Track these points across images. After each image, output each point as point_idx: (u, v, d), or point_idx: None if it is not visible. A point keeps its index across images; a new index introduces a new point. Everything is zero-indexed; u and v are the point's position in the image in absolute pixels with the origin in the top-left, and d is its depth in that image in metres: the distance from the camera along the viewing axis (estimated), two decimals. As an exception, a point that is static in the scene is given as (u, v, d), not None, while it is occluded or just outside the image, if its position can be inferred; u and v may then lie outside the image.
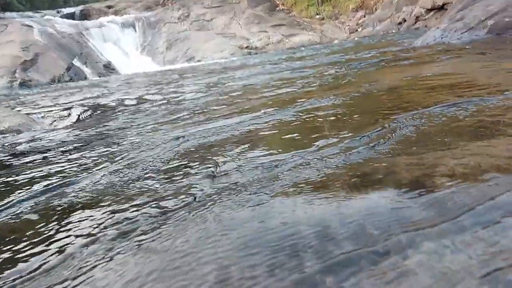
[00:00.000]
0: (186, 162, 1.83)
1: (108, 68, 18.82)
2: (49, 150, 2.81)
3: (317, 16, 19.51)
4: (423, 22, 13.54)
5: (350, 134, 1.84)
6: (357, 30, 17.62)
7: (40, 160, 2.50)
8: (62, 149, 2.77)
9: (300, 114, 2.56)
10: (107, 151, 2.39)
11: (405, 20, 14.72)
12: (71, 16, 21.91)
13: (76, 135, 3.30)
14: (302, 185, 1.31)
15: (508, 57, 3.74)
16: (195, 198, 1.34)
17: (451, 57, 4.41)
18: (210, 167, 1.65)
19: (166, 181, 1.60)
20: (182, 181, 1.54)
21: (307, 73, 5.49)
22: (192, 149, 2.07)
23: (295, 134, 2.07)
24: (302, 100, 3.08)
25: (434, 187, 1.11)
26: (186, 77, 8.93)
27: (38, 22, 19.29)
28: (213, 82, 6.52)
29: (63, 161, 2.34)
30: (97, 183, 1.73)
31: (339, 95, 3.05)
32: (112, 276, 0.94)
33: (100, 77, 17.53)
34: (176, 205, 1.30)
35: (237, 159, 1.73)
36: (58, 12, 22.49)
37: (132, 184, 1.61)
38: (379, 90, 3.02)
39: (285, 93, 3.76)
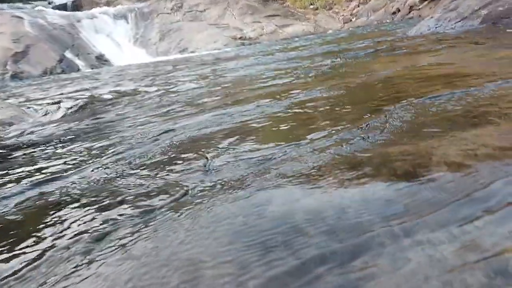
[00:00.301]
0: (177, 156, 1.80)
1: (101, 59, 18.64)
2: (40, 144, 2.77)
3: (311, 6, 19.41)
4: (417, 11, 13.51)
5: (344, 125, 1.81)
6: (351, 20, 17.56)
7: (29, 154, 2.46)
8: (52, 143, 2.73)
9: (294, 105, 2.53)
10: (96, 145, 2.35)
11: (399, 10, 14.68)
12: (62, 7, 21.62)
13: (67, 129, 3.25)
14: (292, 178, 1.28)
15: (501, 47, 3.72)
16: (185, 193, 1.30)
17: (445, 46, 4.39)
18: (200, 162, 1.62)
19: (155, 176, 1.57)
20: (171, 177, 1.51)
21: (301, 63, 5.45)
22: (183, 143, 2.03)
23: (288, 126, 2.04)
24: (296, 91, 3.05)
25: (424, 178, 1.09)
26: (179, 68, 8.86)
27: (28, 13, 19.02)
28: (206, 74, 6.47)
29: (52, 155, 2.30)
30: (85, 179, 1.69)
31: (333, 86, 3.03)
32: (93, 279, 0.91)
33: (92, 69, 17.37)
34: (164, 201, 1.27)
35: (228, 153, 1.69)
36: (49, 3, 22.19)
37: (120, 180, 1.58)
38: (373, 81, 2.99)
39: (279, 84, 3.73)
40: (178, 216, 1.15)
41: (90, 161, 1.97)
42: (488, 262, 0.73)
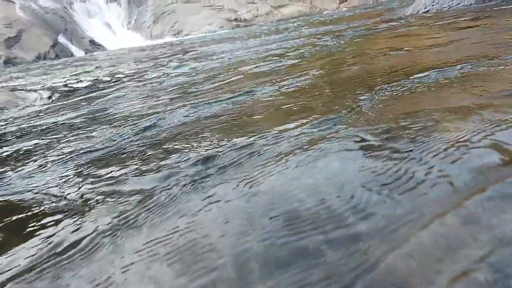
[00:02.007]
0: (164, 148, 1.72)
1: (94, 44, 18.47)
2: (26, 134, 2.74)
3: (307, -14, 19.19)
4: (413, -10, 13.34)
5: (348, 100, 1.78)
6: (346, 0, 17.38)
7: (12, 143, 2.43)
8: (38, 133, 2.69)
9: (291, 88, 2.47)
10: (81, 138, 2.26)
11: (395, -11, 14.51)
12: (54, -10, 21.33)
13: (56, 117, 3.21)
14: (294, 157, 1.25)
15: (498, 27, 3.68)
16: (171, 186, 1.25)
17: (441, 27, 4.34)
18: (187, 155, 1.55)
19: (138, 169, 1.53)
20: (160, 171, 1.44)
21: (297, 45, 5.39)
22: (170, 134, 1.96)
23: (284, 111, 2.00)
24: (293, 73, 3.01)
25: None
26: (172, 52, 8.77)
27: (19, -3, 18.78)
28: (198, 57, 6.40)
29: (32, 146, 2.26)
30: (60, 179, 1.64)
31: (331, 67, 2.99)
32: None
33: (86, 53, 17.21)
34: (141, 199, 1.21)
35: (216, 143, 1.63)
36: (40, -14, 21.85)
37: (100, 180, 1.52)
38: (371, 62, 2.96)
39: (275, 67, 3.66)
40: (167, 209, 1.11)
41: (70, 156, 1.91)
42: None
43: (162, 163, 1.47)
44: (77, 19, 19.50)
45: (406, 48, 3.26)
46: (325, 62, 3.34)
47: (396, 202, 0.91)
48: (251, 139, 1.53)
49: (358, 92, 2.00)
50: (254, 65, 4.06)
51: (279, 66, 3.65)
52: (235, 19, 17.92)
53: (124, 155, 1.69)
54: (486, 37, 3.04)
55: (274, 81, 2.82)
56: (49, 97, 4.56)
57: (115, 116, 2.69)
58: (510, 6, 4.90)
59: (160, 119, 2.27)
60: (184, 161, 1.43)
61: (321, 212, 0.92)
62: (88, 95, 4.23)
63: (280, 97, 2.29)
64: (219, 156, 1.41)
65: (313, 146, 1.32)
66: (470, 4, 5.88)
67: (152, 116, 2.40)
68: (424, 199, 0.90)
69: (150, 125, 2.18)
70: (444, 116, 1.36)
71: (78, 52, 17.72)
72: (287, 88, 2.49)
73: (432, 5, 6.46)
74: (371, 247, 0.77)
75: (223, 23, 18.14)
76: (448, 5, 6.14)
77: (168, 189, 1.21)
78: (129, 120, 2.45)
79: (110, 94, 3.98)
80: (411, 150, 1.14)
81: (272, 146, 1.40)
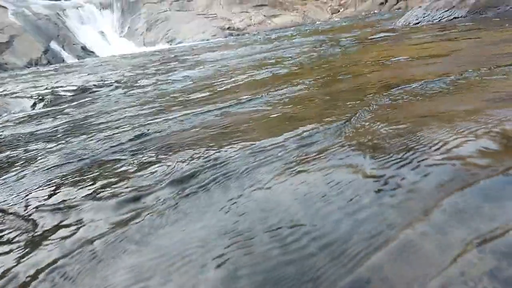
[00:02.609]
0: (142, 164, 1.65)
1: (86, 50, 18.39)
2: (14, 139, 2.69)
3: (300, -4, 19.33)
4: (404, 1, 13.51)
5: (333, 116, 1.76)
6: (339, 11, 17.53)
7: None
8: (23, 141, 2.65)
9: (281, 99, 2.44)
10: (57, 150, 2.19)
11: (386, 1, 14.67)
12: (47, -4, 21.27)
13: (36, 124, 3.16)
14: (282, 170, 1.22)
15: (487, 39, 3.70)
16: (153, 205, 1.20)
17: (431, 40, 4.36)
18: (163, 172, 1.49)
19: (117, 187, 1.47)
20: (136, 186, 1.38)
21: (289, 54, 5.38)
22: (153, 146, 1.91)
23: (271, 123, 1.97)
24: (284, 84, 2.98)
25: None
26: (163, 59, 8.74)
27: (12, 2, 18.68)
28: (191, 66, 6.37)
29: (4, 157, 2.21)
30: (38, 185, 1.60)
31: (324, 78, 2.97)
32: None
33: (78, 59, 17.11)
34: (123, 214, 1.17)
35: (197, 159, 1.57)
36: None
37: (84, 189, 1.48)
38: (362, 70, 2.95)
39: (265, 77, 3.65)
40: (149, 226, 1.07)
41: (51, 162, 1.86)
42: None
43: (133, 183, 1.38)
44: (69, 25, 19.43)
45: (397, 58, 3.26)
46: (319, 72, 3.32)
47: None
48: (233, 155, 1.47)
49: (350, 103, 1.98)
50: (246, 74, 4.03)
51: (271, 76, 3.63)
52: (228, 28, 17.97)
53: (97, 171, 1.61)
54: (477, 49, 3.05)
55: (265, 91, 2.79)
56: (36, 104, 4.50)
57: (97, 127, 2.63)
58: (498, 19, 4.95)
59: (143, 130, 2.19)
60: (158, 181, 1.35)
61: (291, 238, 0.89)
62: (74, 103, 4.18)
63: (270, 108, 2.25)
64: (196, 175, 1.35)
65: (296, 165, 1.28)
66: (461, 17, 5.93)
67: (136, 128, 2.32)
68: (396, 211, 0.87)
69: (132, 137, 2.09)
70: (437, 124, 1.34)
71: (70, 59, 17.63)
72: (278, 99, 2.45)
73: (423, 17, 6.51)
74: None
75: (216, 31, 18.19)
76: (439, 17, 6.19)
77: (133, 218, 1.12)
78: (110, 131, 2.37)
79: (96, 102, 3.93)
80: (397, 167, 1.11)
81: (254, 164, 1.35)
